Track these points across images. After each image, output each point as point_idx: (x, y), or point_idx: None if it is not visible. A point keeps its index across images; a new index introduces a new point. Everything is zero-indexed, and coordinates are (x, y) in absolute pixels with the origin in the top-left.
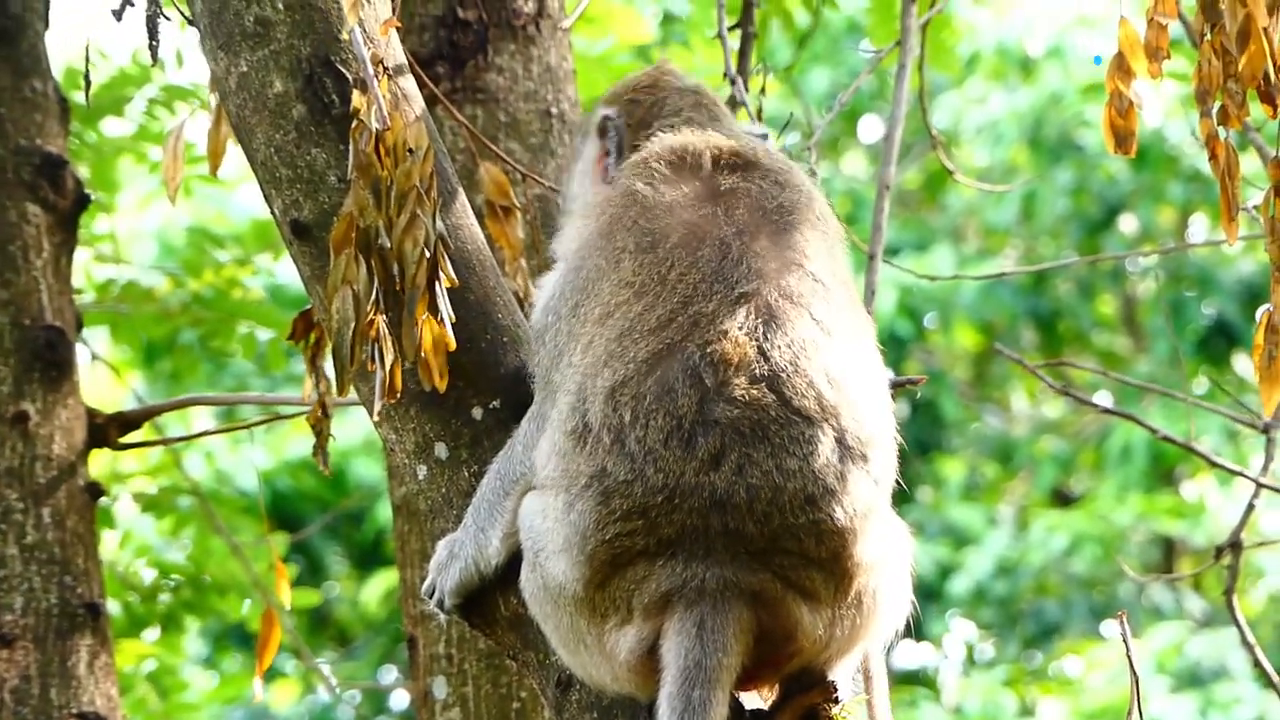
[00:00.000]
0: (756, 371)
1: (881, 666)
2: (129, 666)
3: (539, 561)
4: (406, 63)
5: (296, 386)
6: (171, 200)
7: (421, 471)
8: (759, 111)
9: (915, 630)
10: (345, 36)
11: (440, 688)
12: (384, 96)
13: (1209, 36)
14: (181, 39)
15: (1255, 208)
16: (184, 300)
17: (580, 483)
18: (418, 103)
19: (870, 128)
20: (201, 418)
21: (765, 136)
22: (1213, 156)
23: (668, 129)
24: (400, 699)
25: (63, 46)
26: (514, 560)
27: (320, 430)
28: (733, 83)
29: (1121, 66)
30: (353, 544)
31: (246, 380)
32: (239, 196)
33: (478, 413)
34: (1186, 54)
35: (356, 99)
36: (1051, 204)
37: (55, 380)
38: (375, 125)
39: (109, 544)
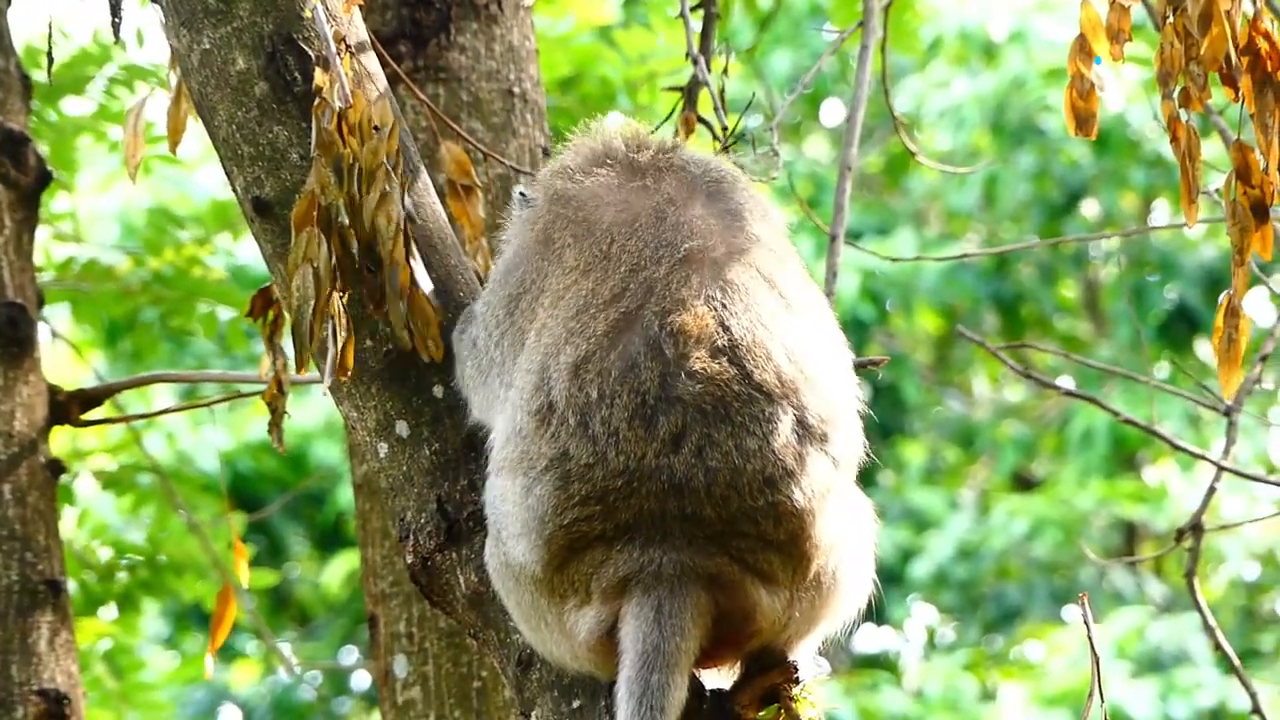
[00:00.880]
0: (717, 343)
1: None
2: (86, 645)
3: (501, 539)
4: (369, 41)
5: (257, 366)
6: (132, 178)
7: (383, 449)
8: (721, 92)
9: (876, 614)
10: (308, 14)
11: (401, 666)
12: (346, 74)
13: (1171, 19)
14: (142, 17)
15: (1217, 191)
16: (145, 279)
17: (540, 466)
18: (380, 81)
19: (833, 111)
20: (163, 397)
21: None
22: (1174, 139)
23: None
24: (361, 679)
25: (25, 24)
26: (476, 536)
27: (276, 408)
28: (695, 63)
29: (1083, 48)
30: (314, 525)
31: (208, 360)
32: (199, 178)
33: (439, 390)
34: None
35: (319, 77)
36: (1014, 188)
37: (16, 357)
38: (337, 103)
39: (67, 522)
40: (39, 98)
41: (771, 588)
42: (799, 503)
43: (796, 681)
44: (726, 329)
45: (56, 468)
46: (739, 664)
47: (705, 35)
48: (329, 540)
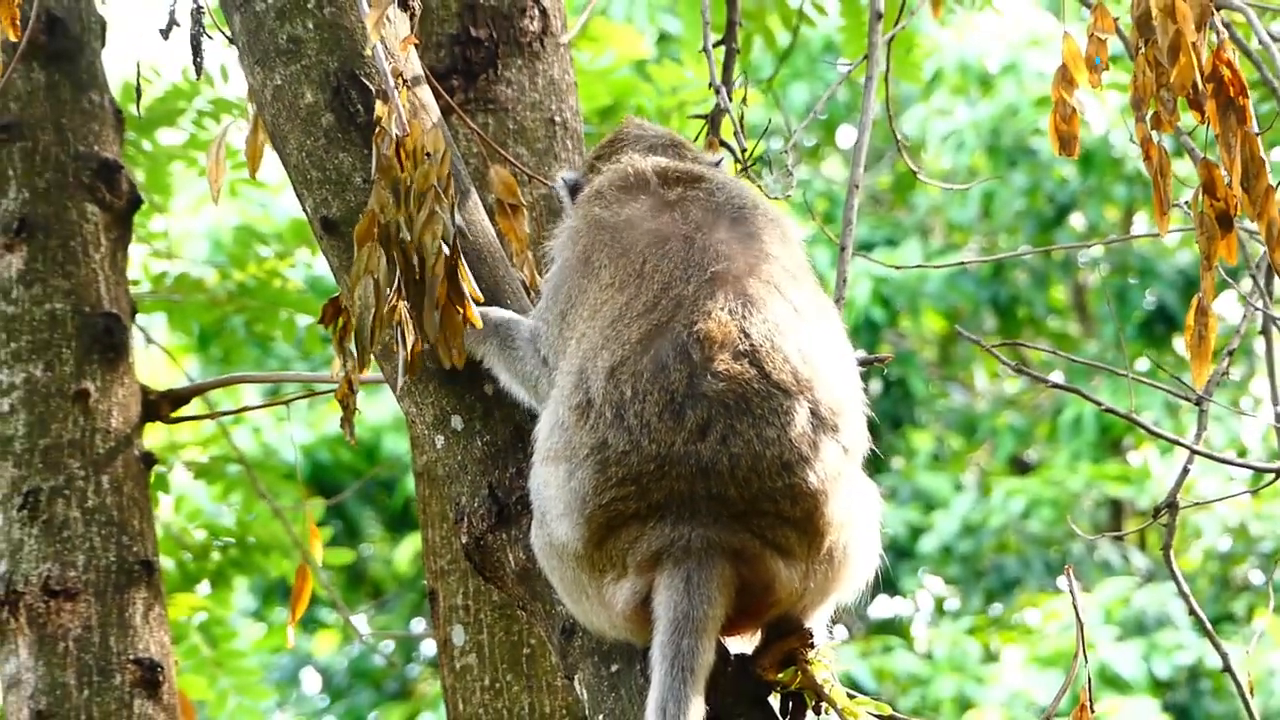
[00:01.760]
0: (739, 348)
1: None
2: (183, 618)
3: (545, 522)
4: (424, 76)
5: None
6: (214, 199)
7: (439, 441)
8: (741, 119)
9: (889, 585)
10: (369, 52)
11: (459, 635)
12: (404, 106)
13: (1143, 50)
14: (226, 55)
15: (1187, 204)
16: (231, 290)
17: (581, 454)
18: (434, 112)
19: (847, 136)
20: (249, 396)
21: (719, 163)
22: (1147, 157)
23: (615, 161)
24: (430, 647)
25: (119, 64)
26: (523, 518)
27: (347, 405)
28: (717, 92)
29: (1065, 77)
30: (385, 510)
31: (289, 362)
32: (280, 200)
33: (489, 389)
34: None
35: (379, 108)
36: (1008, 203)
37: (112, 361)
38: (396, 132)
39: (165, 508)
40: (136, 129)
41: (789, 561)
42: (813, 484)
43: (812, 646)
44: (747, 335)
45: (149, 460)
46: (760, 631)
47: (727, 68)
48: (398, 523)
